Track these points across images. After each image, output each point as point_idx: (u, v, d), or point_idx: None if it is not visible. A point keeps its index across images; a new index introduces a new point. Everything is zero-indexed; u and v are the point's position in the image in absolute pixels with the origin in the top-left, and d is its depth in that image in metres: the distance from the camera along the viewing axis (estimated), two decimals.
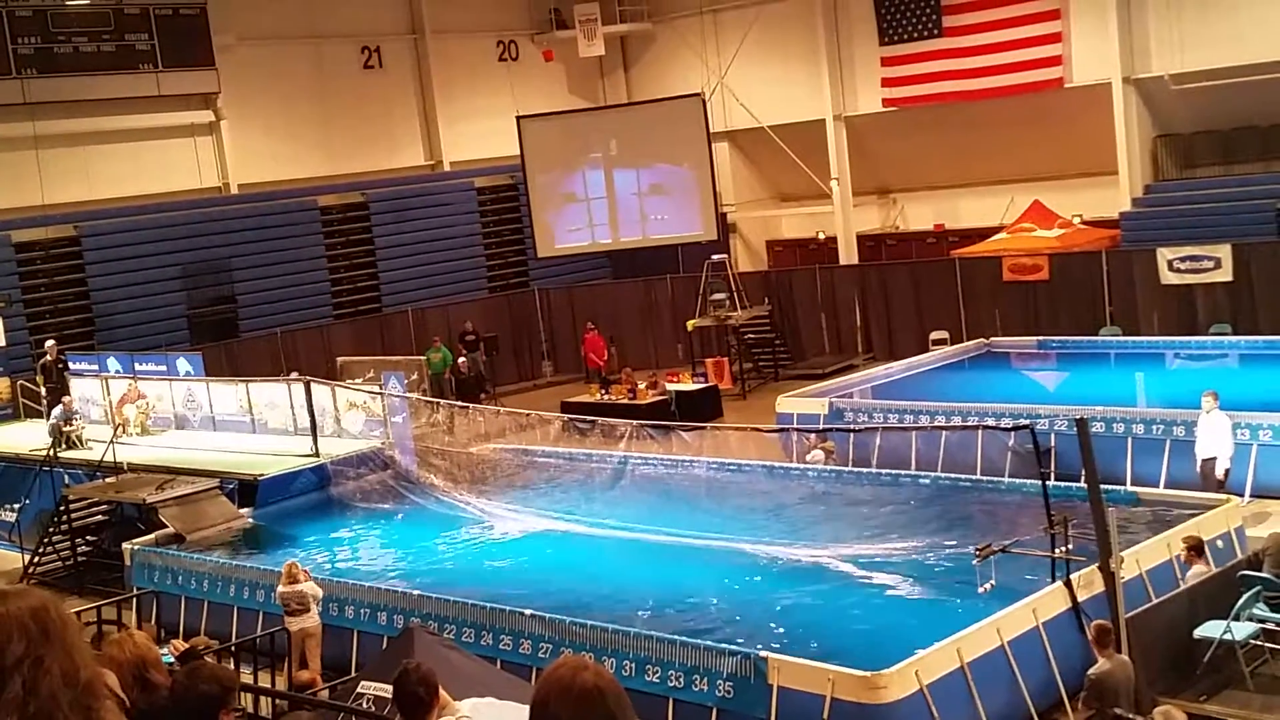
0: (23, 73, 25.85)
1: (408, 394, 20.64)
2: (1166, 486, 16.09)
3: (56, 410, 21.43)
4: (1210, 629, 11.49)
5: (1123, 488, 15.57)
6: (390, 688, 6.32)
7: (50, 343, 24.25)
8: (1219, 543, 13.30)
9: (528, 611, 12.70)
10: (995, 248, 27.84)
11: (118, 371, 23.32)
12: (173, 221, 27.77)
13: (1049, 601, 11.77)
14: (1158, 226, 26.37)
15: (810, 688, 10.46)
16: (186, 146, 28.79)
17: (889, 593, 13.34)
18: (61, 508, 19.15)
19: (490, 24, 33.60)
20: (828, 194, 31.74)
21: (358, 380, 22.22)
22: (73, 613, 2.66)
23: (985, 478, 16.97)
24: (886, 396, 21.73)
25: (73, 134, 26.69)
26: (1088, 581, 11.88)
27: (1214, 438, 15.81)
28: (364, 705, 8.99)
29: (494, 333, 29.73)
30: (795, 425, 19.93)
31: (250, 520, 18.48)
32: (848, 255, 31.65)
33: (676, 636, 11.61)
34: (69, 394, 22.41)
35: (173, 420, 22.60)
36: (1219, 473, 15.65)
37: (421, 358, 26.41)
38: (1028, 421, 15.00)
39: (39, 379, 23.98)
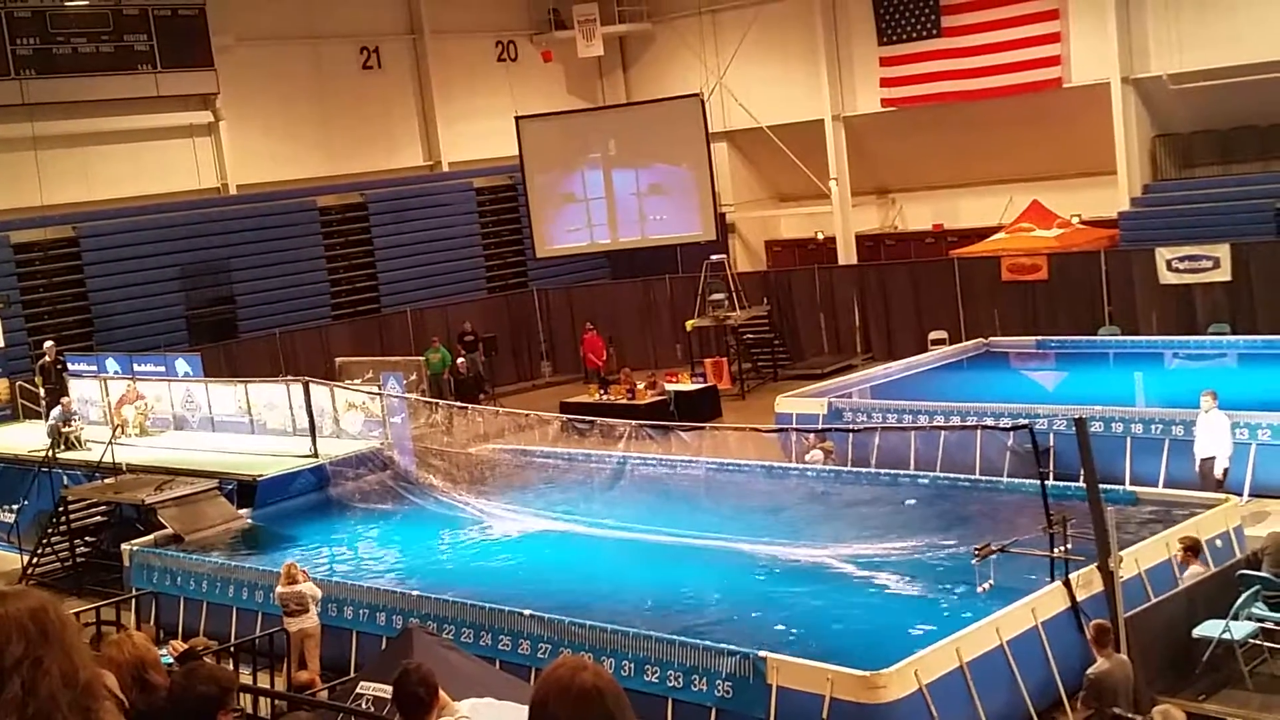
0: (21, 74, 25.84)
1: (406, 394, 20.64)
2: (1165, 486, 16.11)
3: (55, 411, 21.41)
4: (1209, 628, 11.49)
5: (1122, 487, 15.57)
6: (389, 688, 6.33)
7: (49, 344, 24.23)
8: (1218, 542, 13.31)
9: (527, 612, 12.69)
10: (994, 248, 27.84)
11: (116, 372, 23.30)
12: (171, 222, 27.76)
13: (1048, 601, 11.77)
14: (1156, 226, 26.38)
15: (809, 687, 10.46)
16: (185, 147, 28.77)
17: (888, 592, 13.34)
18: (60, 509, 19.14)
19: (489, 24, 33.60)
20: (826, 194, 31.74)
21: (356, 381, 22.20)
22: (72, 614, 2.66)
23: (984, 477, 16.97)
24: (885, 396, 21.74)
25: (71, 135, 26.67)
26: (1087, 581, 11.88)
27: (1213, 437, 15.82)
28: (363, 706, 8.99)
29: (493, 333, 29.72)
30: (794, 425, 19.93)
31: (249, 521, 18.49)
32: (846, 255, 31.65)
33: (675, 636, 11.61)
34: (68, 395, 22.39)
35: (171, 421, 22.59)
36: (1218, 472, 15.66)
37: (420, 358, 26.43)
38: (1026, 421, 15.02)
39: (38, 380, 23.97)
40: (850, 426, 19.53)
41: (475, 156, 32.72)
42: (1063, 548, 12.18)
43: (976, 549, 12.63)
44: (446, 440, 20.25)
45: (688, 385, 25.99)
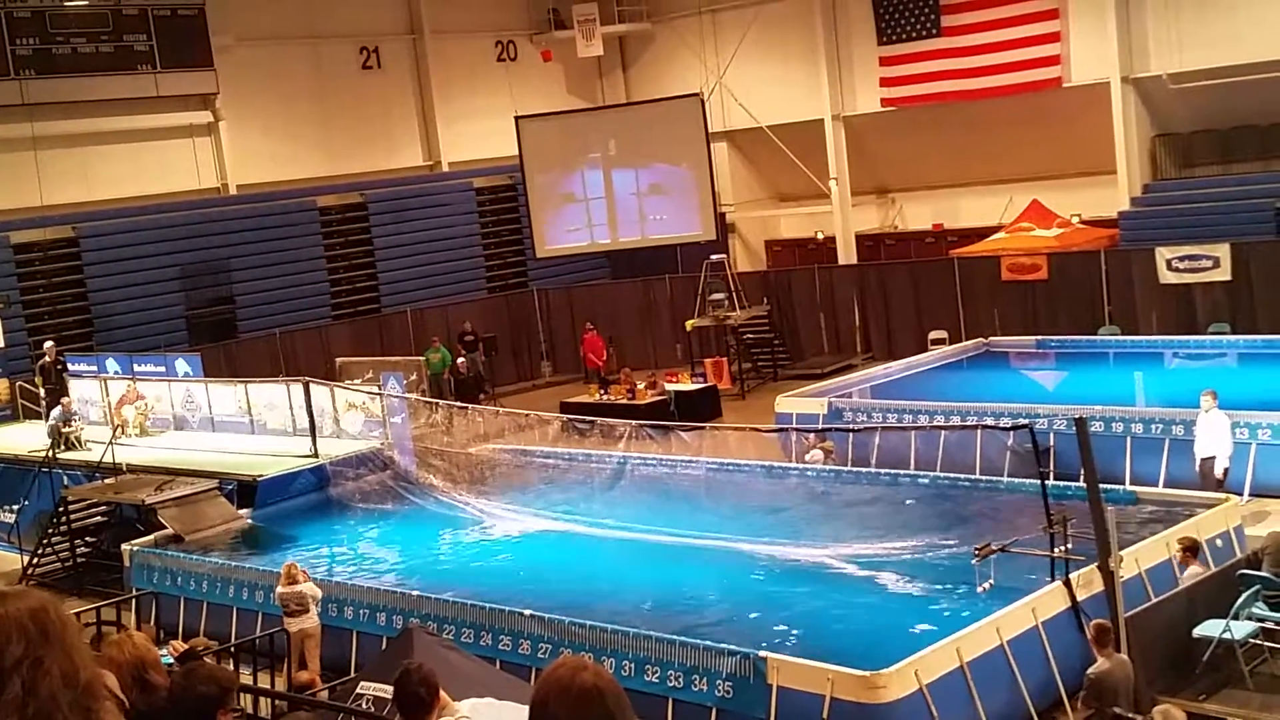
0: (21, 74, 25.83)
1: (407, 394, 20.64)
2: (1165, 486, 16.10)
3: (55, 411, 21.41)
4: (1209, 628, 11.49)
5: (1122, 487, 15.57)
6: (389, 688, 6.33)
7: (49, 344, 24.22)
8: (1218, 542, 13.31)
9: (527, 612, 12.69)
10: (994, 247, 27.84)
11: (116, 372, 23.29)
12: (171, 222, 27.75)
13: (1048, 601, 11.77)
14: (1156, 226, 26.38)
15: (810, 687, 10.46)
16: (185, 147, 28.76)
17: (888, 592, 13.33)
18: (60, 509, 19.14)
19: (489, 24, 33.60)
20: (826, 194, 31.74)
21: (357, 381, 22.20)
22: (72, 614, 2.66)
23: (984, 477, 16.96)
24: (885, 396, 21.74)
25: (71, 135, 26.67)
26: (1087, 581, 11.88)
27: (1213, 437, 15.82)
28: (363, 706, 8.99)
29: (493, 333, 29.72)
30: (794, 425, 19.93)
31: (249, 521, 18.49)
32: (846, 255, 31.65)
33: (675, 636, 11.60)
34: (68, 395, 22.39)
35: (171, 421, 22.58)
36: (1218, 472, 15.65)
37: (420, 358, 26.43)
38: (1027, 421, 15.03)
39: (38, 380, 23.97)
40: (850, 426, 19.53)
41: (475, 156, 32.72)
42: (1063, 547, 12.17)
43: (977, 549, 12.62)
44: (446, 440, 20.25)
45: (688, 385, 25.98)
